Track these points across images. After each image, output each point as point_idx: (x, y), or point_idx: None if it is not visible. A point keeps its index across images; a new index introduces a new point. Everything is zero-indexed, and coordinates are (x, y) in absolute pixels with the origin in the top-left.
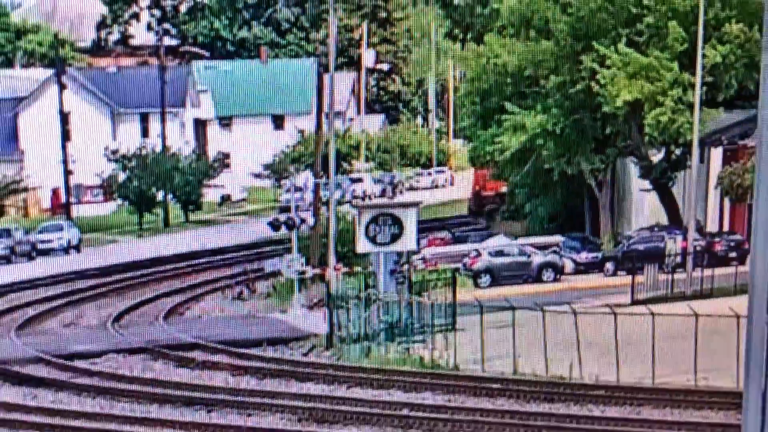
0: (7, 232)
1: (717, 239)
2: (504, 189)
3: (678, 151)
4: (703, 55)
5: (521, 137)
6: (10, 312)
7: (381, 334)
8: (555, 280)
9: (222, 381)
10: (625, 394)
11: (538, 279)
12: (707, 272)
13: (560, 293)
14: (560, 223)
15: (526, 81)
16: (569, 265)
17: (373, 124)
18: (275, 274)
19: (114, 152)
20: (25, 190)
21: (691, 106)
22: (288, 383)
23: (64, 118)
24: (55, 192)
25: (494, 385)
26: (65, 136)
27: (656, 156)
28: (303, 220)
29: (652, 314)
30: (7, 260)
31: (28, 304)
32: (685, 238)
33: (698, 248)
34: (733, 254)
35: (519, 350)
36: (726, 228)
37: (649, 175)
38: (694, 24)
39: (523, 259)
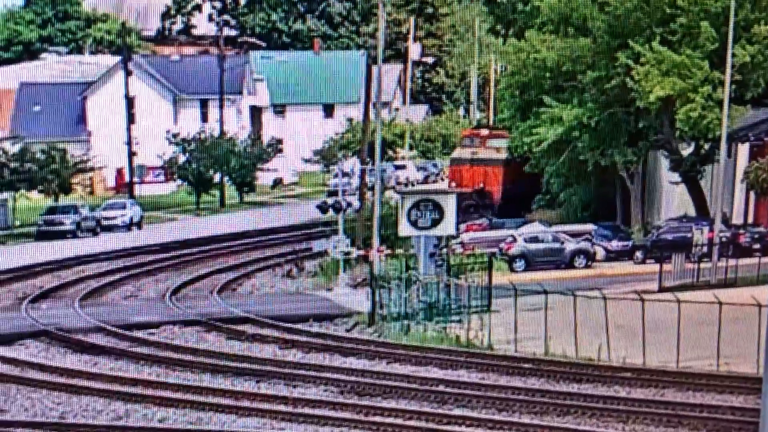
0: (74, 209)
1: (742, 231)
2: (482, 186)
3: (707, 146)
4: (733, 55)
5: (558, 129)
6: (75, 284)
7: (420, 314)
8: (586, 266)
9: (270, 353)
10: (651, 377)
11: (570, 265)
12: (732, 262)
13: (591, 279)
14: (593, 212)
15: (564, 76)
16: (600, 253)
17: (418, 114)
18: (322, 254)
19: (175, 136)
20: (92, 169)
21: (720, 103)
22: (332, 357)
23: (130, 102)
24: (119, 172)
25: (526, 365)
26: (130, 119)
27: (686, 150)
28: (349, 204)
29: (678, 301)
30: (73, 235)
31: (91, 277)
32: (711, 230)
33: (724, 239)
34: (756, 246)
35: (550, 332)
36: (751, 220)
37: (679, 168)
38: (725, 25)
39: (557, 245)
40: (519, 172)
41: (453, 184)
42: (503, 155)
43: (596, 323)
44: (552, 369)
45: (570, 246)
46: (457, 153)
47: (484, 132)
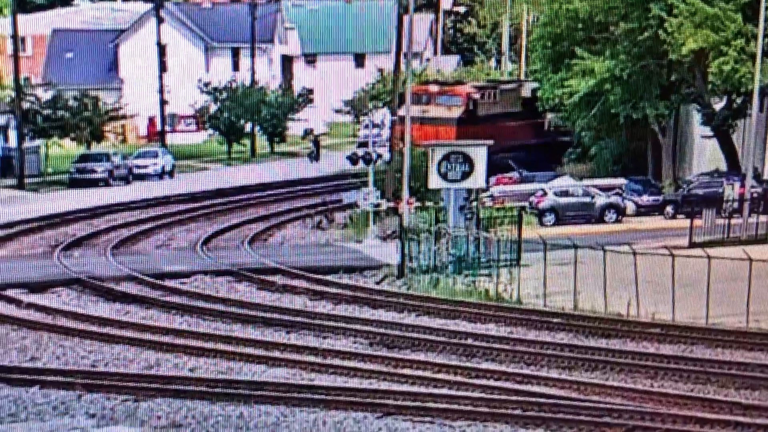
0: (107, 157)
1: None
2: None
3: (739, 100)
4: (766, 8)
5: (590, 82)
6: (107, 232)
7: (449, 267)
8: (617, 221)
9: (300, 304)
10: (680, 333)
11: (600, 219)
12: (762, 218)
13: (621, 234)
14: (624, 166)
15: (597, 27)
16: (631, 207)
17: (449, 64)
18: (352, 205)
19: (206, 84)
20: (124, 117)
21: (753, 57)
22: (361, 309)
23: (161, 50)
24: (151, 120)
25: (555, 320)
26: (162, 67)
27: (718, 104)
28: (379, 155)
29: (708, 257)
30: (105, 183)
31: (123, 226)
32: (742, 185)
33: (755, 195)
34: None
35: (580, 287)
36: None
37: (711, 122)
38: None
39: (587, 199)
40: (475, 133)
41: (400, 145)
42: (456, 114)
43: (626, 278)
44: (581, 324)
45: (600, 200)
46: (404, 110)
47: (434, 88)
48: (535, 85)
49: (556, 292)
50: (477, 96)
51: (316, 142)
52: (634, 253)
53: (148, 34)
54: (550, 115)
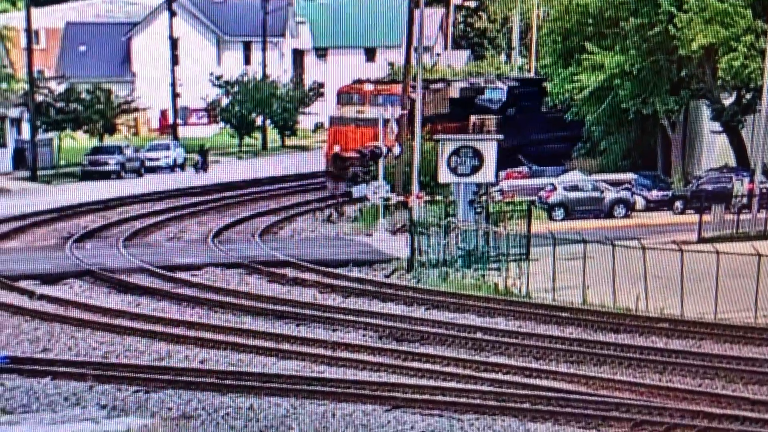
0: (119, 149)
1: None
2: (371, 148)
3: (748, 96)
4: None
5: (599, 76)
6: (119, 224)
7: (458, 261)
8: (626, 215)
9: (310, 297)
10: (688, 328)
11: (609, 214)
12: None
13: (630, 229)
14: (633, 161)
15: (607, 22)
16: (640, 202)
17: (459, 59)
18: (362, 199)
19: (218, 78)
20: (136, 110)
21: (762, 53)
22: (371, 302)
23: (174, 43)
24: (163, 113)
25: (563, 314)
26: (174, 60)
27: (727, 99)
28: (390, 149)
29: (717, 252)
30: (117, 176)
31: (135, 218)
32: (752, 180)
33: (764, 190)
34: None
35: (588, 281)
36: None
37: (720, 117)
38: None
39: (597, 194)
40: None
41: (335, 148)
42: (396, 115)
43: (634, 273)
44: (589, 318)
45: (610, 195)
46: (337, 111)
47: (369, 87)
48: (464, 84)
49: (565, 287)
50: (413, 95)
51: (203, 152)
52: (643, 248)
53: (160, 27)
54: (473, 117)
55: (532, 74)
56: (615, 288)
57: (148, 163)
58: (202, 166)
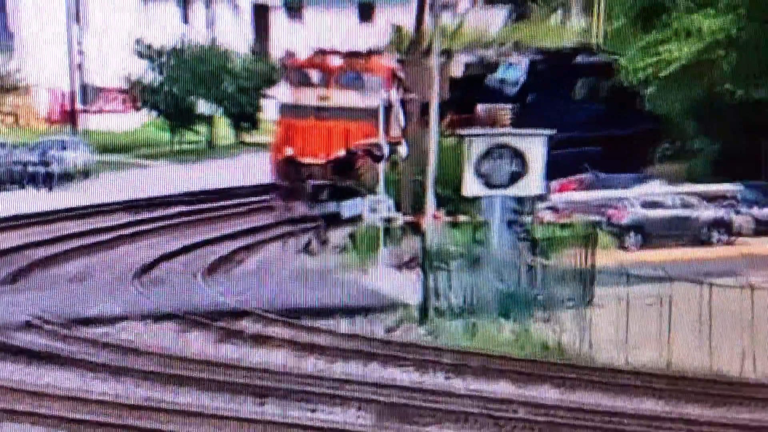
0: None
1: None
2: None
3: None
4: None
5: (693, 46)
6: None
7: (492, 307)
8: (727, 242)
9: (280, 362)
10: None
11: (704, 240)
12: None
13: (733, 261)
14: (736, 167)
15: None
16: (747, 223)
17: (494, 19)
18: (354, 220)
19: (143, 44)
20: (15, 89)
21: None
22: (366, 368)
23: None
24: (57, 95)
25: (638, 382)
26: (74, 16)
27: None
28: (393, 149)
29: None
30: None
31: (17, 249)
32: None
33: None
34: None
35: (674, 336)
36: None
37: None
38: None
39: (686, 213)
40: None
41: (288, 151)
42: (376, 102)
43: (739, 324)
44: (675, 387)
45: (704, 214)
46: (290, 95)
47: (335, 61)
48: (470, 57)
49: (642, 343)
50: (401, 74)
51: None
52: (752, 288)
53: None
54: (479, 107)
55: (599, 40)
56: (712, 345)
57: (33, 169)
58: (44, 182)
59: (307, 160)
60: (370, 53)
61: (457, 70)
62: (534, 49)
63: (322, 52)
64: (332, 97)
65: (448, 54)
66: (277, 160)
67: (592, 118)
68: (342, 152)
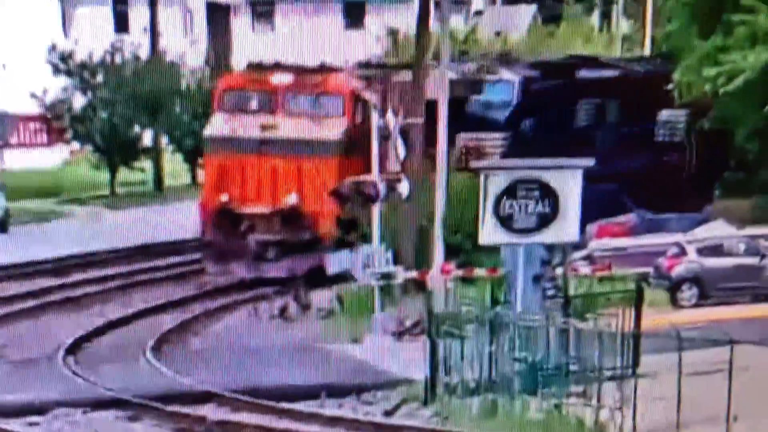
0: None
1: None
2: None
3: None
4: None
5: (764, 54)
6: None
7: (515, 381)
8: None
9: None
10: None
11: None
12: None
13: None
14: None
15: None
16: None
17: (518, 20)
18: (344, 277)
19: (65, 57)
20: None
21: None
22: None
23: None
24: None
25: None
26: None
27: None
28: (391, 187)
29: None
30: None
31: None
32: None
33: None
34: None
35: (737, 410)
36: None
37: None
38: None
39: (753, 261)
40: (367, 166)
41: (222, 198)
42: (336, 132)
43: None
44: None
45: None
46: (220, 126)
47: (284, 78)
48: (452, 73)
49: (699, 420)
50: (368, 95)
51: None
52: None
53: None
54: (462, 137)
55: (645, 49)
56: None
57: None
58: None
59: (247, 209)
60: (326, 69)
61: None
62: (527, 63)
63: (260, 67)
64: (279, 126)
65: (419, 70)
66: (207, 210)
67: (604, 148)
68: (293, 198)
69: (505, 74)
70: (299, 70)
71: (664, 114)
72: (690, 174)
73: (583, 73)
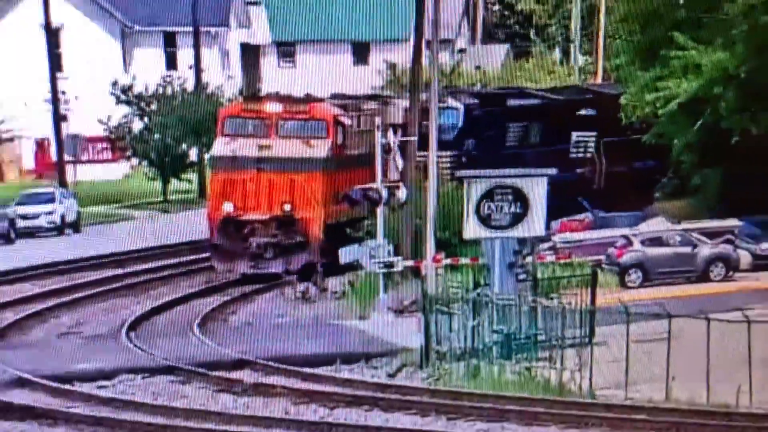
0: None
1: None
2: (289, 209)
3: None
4: None
5: (693, 82)
6: None
7: (494, 349)
8: (726, 278)
9: (280, 411)
10: None
11: (704, 276)
12: None
13: (733, 296)
14: (737, 203)
15: (704, 3)
16: (746, 259)
17: (494, 57)
18: (353, 266)
19: (126, 89)
20: None
21: None
22: (369, 414)
23: (53, 36)
24: (40, 145)
25: (639, 416)
26: (54, 63)
27: None
28: (392, 193)
29: None
30: None
31: (6, 306)
32: None
33: None
34: None
35: (674, 371)
36: None
37: None
38: None
39: (687, 250)
40: (347, 181)
41: (227, 208)
42: (323, 151)
43: (737, 357)
44: (675, 420)
45: (704, 250)
46: (223, 147)
47: (274, 107)
48: (407, 103)
49: (643, 379)
50: (347, 121)
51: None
52: (748, 322)
53: (29, 11)
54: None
55: (597, 79)
56: (710, 378)
57: (21, 224)
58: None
59: (248, 216)
60: (311, 98)
61: (397, 115)
62: (468, 92)
63: (255, 98)
64: (273, 146)
65: (383, 101)
66: (214, 218)
67: (530, 163)
68: (287, 206)
69: (451, 102)
70: (288, 100)
71: (575, 135)
72: (600, 185)
73: (512, 102)
